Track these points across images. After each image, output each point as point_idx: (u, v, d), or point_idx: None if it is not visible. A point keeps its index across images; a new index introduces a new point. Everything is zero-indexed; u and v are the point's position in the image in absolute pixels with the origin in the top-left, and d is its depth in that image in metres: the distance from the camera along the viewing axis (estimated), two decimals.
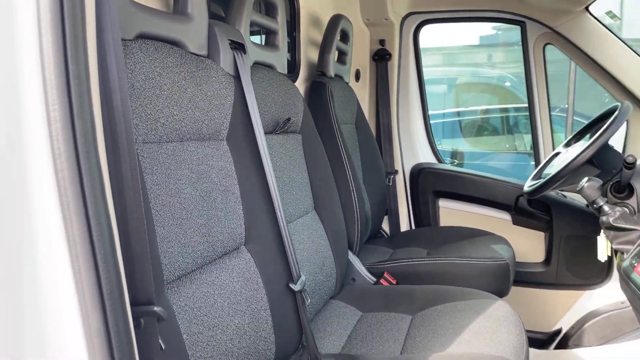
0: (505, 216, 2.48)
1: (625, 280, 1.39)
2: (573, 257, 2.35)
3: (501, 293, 1.82)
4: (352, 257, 1.86)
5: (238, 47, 1.23)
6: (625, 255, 1.45)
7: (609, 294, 2.30)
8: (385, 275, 1.81)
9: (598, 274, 2.34)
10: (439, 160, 2.72)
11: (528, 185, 1.95)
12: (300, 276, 1.27)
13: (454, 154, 5.16)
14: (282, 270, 1.24)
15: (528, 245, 2.43)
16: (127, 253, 0.62)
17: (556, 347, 2.28)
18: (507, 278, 1.83)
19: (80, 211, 0.52)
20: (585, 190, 1.52)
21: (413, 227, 2.62)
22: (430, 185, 2.56)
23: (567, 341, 2.27)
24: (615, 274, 2.31)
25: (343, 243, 1.73)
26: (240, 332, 1.04)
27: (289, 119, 1.47)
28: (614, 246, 1.50)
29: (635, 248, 1.43)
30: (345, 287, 1.77)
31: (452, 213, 2.56)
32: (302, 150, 1.62)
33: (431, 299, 1.57)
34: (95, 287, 0.53)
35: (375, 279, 1.85)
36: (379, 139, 2.58)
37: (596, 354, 2.15)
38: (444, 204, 2.57)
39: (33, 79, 0.50)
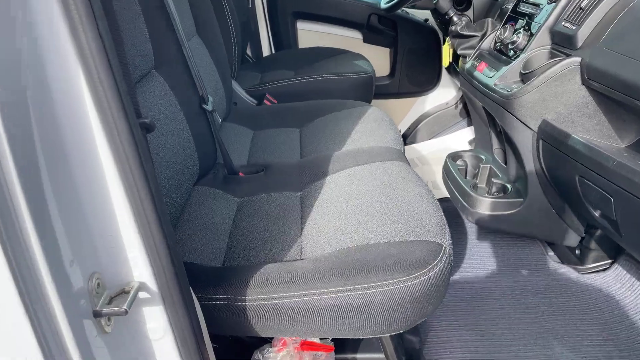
0: (357, 35, 2.67)
1: (468, 79, 1.72)
2: (412, 69, 2.70)
3: (366, 101, 2.08)
4: (233, 82, 1.90)
5: None
6: (467, 59, 1.77)
7: (437, 98, 2.76)
8: (267, 96, 1.92)
9: (430, 81, 2.75)
10: None
11: (385, 1, 2.11)
12: (209, 97, 1.31)
13: None
14: (192, 92, 1.26)
15: (376, 60, 2.70)
16: None
17: None
18: (371, 89, 2.09)
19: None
20: (440, 3, 1.74)
21: (274, 51, 2.68)
22: (288, 6, 2.58)
23: (405, 139, 2.75)
24: (442, 81, 2.75)
25: (226, 67, 1.75)
26: (174, 149, 1.10)
27: None
28: (459, 52, 1.80)
29: (476, 51, 1.74)
30: (231, 110, 1.84)
31: (310, 35, 2.66)
32: None
33: (314, 112, 1.75)
34: (115, 87, 0.55)
35: (256, 101, 1.94)
36: None
37: (426, 146, 2.67)
38: (302, 26, 2.64)
39: None
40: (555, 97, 1.35)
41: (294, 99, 1.96)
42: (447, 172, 1.90)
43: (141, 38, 1.08)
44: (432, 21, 2.60)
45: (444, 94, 2.74)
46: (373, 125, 1.57)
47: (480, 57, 1.71)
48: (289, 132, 1.68)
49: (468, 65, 1.73)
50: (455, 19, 1.77)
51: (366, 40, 2.68)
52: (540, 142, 1.43)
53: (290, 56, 2.46)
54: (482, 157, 1.91)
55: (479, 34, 1.75)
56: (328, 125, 1.63)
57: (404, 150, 1.50)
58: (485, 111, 1.75)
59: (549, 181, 1.49)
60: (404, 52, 2.66)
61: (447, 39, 1.94)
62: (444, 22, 1.92)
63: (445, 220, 1.04)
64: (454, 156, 1.96)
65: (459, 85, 1.93)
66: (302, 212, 1.16)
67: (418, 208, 1.07)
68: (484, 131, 1.92)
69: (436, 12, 1.91)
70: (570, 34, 1.33)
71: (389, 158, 1.33)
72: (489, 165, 1.83)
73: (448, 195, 2.02)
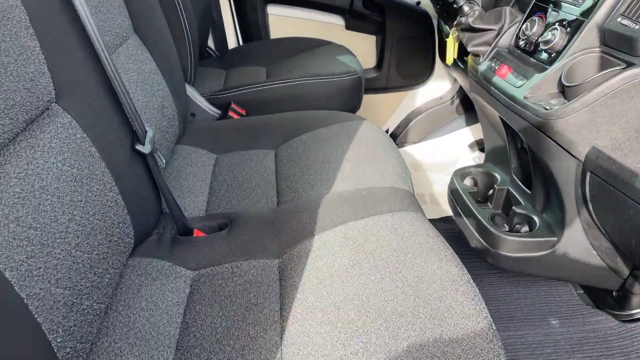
0: (339, 21, 2.30)
1: (484, 85, 1.37)
2: (402, 59, 2.36)
3: (354, 108, 1.73)
4: (188, 88, 1.52)
5: None
6: (481, 58, 1.42)
7: (429, 92, 2.43)
8: (233, 106, 1.54)
9: (422, 73, 2.41)
10: None
11: None
12: (147, 131, 0.93)
13: None
14: (120, 128, 0.89)
15: (361, 50, 2.34)
16: None
17: None
18: (360, 93, 1.73)
19: None
20: None
21: (241, 42, 2.28)
22: None
23: (394, 140, 2.41)
24: (436, 73, 2.41)
25: (177, 71, 1.36)
26: (86, 230, 0.73)
27: None
28: (470, 49, 1.45)
29: (492, 49, 1.40)
30: (187, 126, 1.46)
31: (283, 22, 2.27)
32: None
33: (293, 128, 1.39)
34: None
35: (219, 112, 1.56)
36: None
37: (419, 149, 2.35)
38: (274, 11, 2.25)
39: None
40: (610, 119, 1.03)
41: (267, 108, 1.58)
42: (455, 197, 1.57)
43: (30, 60, 0.69)
44: (424, 4, 2.24)
45: (438, 87, 2.41)
46: (370, 150, 1.23)
47: (498, 57, 1.36)
48: (261, 156, 1.32)
49: (483, 67, 1.39)
50: (465, 8, 1.41)
51: (349, 27, 2.31)
52: (588, 174, 1.10)
53: (260, 49, 2.07)
54: (497, 175, 1.58)
55: (496, 27, 1.40)
56: (312, 150, 1.27)
57: (412, 188, 1.16)
58: (503, 123, 1.42)
59: (595, 221, 1.18)
60: (393, 40, 2.31)
61: (452, 31, 1.58)
62: (447, 10, 1.57)
63: (494, 327, 0.71)
64: (461, 174, 1.63)
65: (468, 88, 1.60)
66: (281, 300, 0.82)
67: (452, 304, 0.73)
68: (497, 144, 1.59)
69: None
70: (631, 36, 0.99)
71: (397, 207, 0.99)
72: (506, 188, 1.51)
73: (451, 214, 1.71)
